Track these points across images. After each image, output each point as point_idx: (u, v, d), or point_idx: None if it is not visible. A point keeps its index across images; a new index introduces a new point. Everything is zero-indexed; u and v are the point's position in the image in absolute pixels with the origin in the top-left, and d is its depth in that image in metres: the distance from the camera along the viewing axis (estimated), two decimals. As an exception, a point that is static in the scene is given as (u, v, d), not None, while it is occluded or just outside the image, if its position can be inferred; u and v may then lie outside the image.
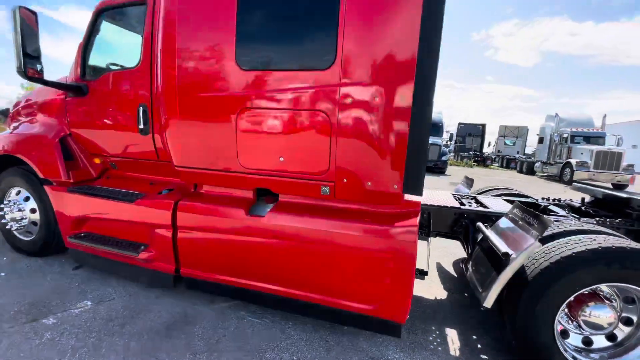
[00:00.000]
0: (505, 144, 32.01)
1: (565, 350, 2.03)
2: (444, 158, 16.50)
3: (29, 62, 2.61)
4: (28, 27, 2.57)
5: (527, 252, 1.95)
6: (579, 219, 2.69)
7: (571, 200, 3.53)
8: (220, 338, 2.35)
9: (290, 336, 2.44)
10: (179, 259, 2.72)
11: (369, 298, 2.26)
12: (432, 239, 3.09)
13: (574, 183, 4.12)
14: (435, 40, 1.91)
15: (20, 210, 3.37)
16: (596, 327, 2.05)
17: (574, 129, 17.38)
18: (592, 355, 2.09)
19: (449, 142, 27.12)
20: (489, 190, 4.08)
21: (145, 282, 3.00)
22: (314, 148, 2.27)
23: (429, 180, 11.70)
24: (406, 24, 1.95)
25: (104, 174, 3.38)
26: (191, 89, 2.47)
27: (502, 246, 2.11)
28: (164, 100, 2.57)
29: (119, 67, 3.05)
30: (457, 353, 2.38)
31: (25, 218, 3.39)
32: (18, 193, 3.45)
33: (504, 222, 2.47)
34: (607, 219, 2.70)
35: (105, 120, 3.04)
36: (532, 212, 2.15)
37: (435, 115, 16.32)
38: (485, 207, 3.05)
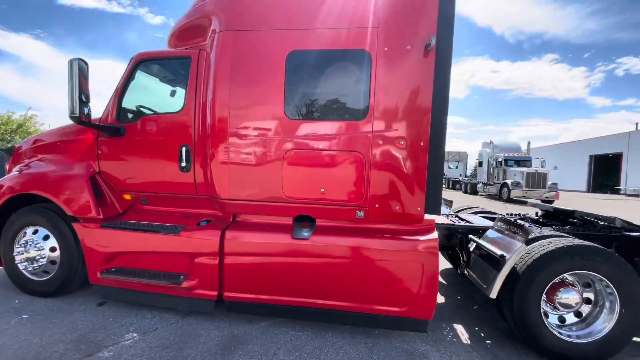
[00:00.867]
0: (449, 167, 35.79)
1: (549, 326, 2.70)
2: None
3: (82, 108, 2.83)
4: (82, 77, 2.81)
5: (517, 253, 2.64)
6: (540, 228, 3.52)
7: (527, 214, 4.47)
8: (276, 351, 2.65)
9: (335, 343, 2.81)
10: (224, 284, 2.97)
11: (400, 301, 2.75)
12: None
13: (529, 201, 5.12)
14: (445, 96, 2.64)
15: (38, 249, 3.33)
16: (567, 307, 2.77)
17: (506, 154, 20.23)
18: (566, 329, 2.78)
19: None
20: (464, 209, 4.91)
21: (184, 309, 3.15)
22: (351, 180, 2.81)
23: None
24: (422, 86, 2.65)
25: (130, 209, 3.51)
26: (242, 133, 2.90)
27: (497, 250, 2.78)
28: (215, 142, 2.94)
29: (157, 112, 3.34)
30: (468, 342, 2.95)
31: (44, 257, 3.35)
32: (35, 232, 3.40)
33: (492, 233, 3.19)
34: (560, 227, 3.57)
35: (143, 159, 3.27)
36: (516, 224, 2.89)
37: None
38: (470, 222, 3.79)
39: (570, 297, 2.75)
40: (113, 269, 3.19)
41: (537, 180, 17.55)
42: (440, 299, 3.88)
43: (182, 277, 3.03)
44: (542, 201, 17.28)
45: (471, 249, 3.40)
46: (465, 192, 25.03)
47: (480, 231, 3.47)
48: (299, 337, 2.88)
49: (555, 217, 4.11)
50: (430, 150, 2.68)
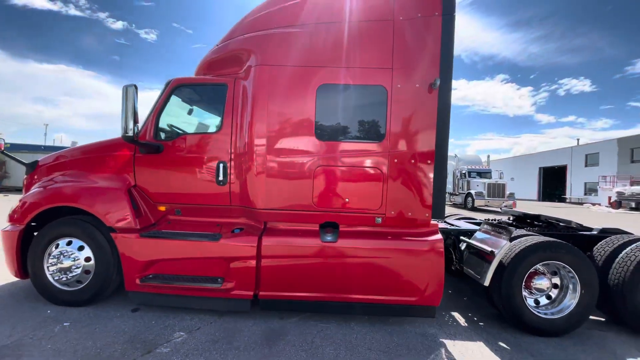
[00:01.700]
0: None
1: (529, 307, 3.39)
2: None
3: (134, 129, 3.14)
4: (135, 101, 3.15)
5: (504, 249, 3.32)
6: (516, 229, 4.29)
7: (502, 219, 5.29)
8: (313, 340, 3.07)
9: (359, 331, 3.29)
10: (260, 284, 3.35)
11: (413, 292, 3.31)
12: None
13: (503, 208, 5.98)
14: (446, 123, 3.30)
15: (73, 259, 3.49)
16: (540, 291, 3.49)
17: (469, 167, 22.09)
18: (542, 308, 3.49)
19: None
20: (448, 216, 5.65)
21: (222, 309, 3.47)
22: (371, 192, 3.37)
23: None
24: (428, 116, 3.30)
25: (161, 220, 3.78)
26: (278, 151, 3.37)
27: (488, 248, 3.45)
28: (253, 159, 3.37)
29: (192, 132, 3.71)
30: (466, 324, 3.57)
31: (79, 267, 3.50)
32: (69, 243, 3.55)
33: (480, 234, 3.88)
34: (529, 228, 4.37)
35: (181, 174, 3.60)
36: (501, 226, 3.59)
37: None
38: (459, 226, 4.48)
39: (542, 283, 3.47)
40: (151, 276, 3.44)
41: (497, 191, 19.35)
42: (435, 293, 4.49)
43: (219, 280, 3.37)
44: (501, 209, 19.05)
45: (462, 248, 4.07)
46: (434, 201, 26.70)
47: (468, 233, 4.16)
48: (328, 327, 3.33)
49: (524, 221, 4.95)
50: (435, 167, 3.32)
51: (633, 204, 26.41)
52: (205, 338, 3.01)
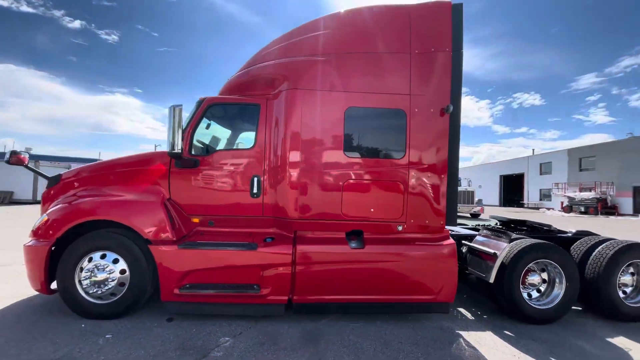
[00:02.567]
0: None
1: (526, 299, 3.95)
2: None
3: (181, 145, 3.34)
4: (181, 120, 3.35)
5: (506, 250, 3.87)
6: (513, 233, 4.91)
7: (490, 224, 5.95)
8: (349, 337, 3.39)
9: (386, 328, 3.66)
10: (294, 289, 3.63)
11: (431, 290, 3.75)
12: None
13: (490, 215, 6.67)
14: (456, 142, 3.82)
15: (108, 272, 3.55)
16: (533, 286, 4.08)
17: (441, 175, 23.52)
18: (534, 300, 4.07)
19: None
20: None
21: (258, 314, 3.68)
22: (393, 202, 3.79)
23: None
24: (441, 136, 3.81)
25: (194, 231, 3.93)
26: (310, 166, 3.70)
27: (490, 250, 4.00)
28: (287, 173, 3.68)
29: (230, 147, 3.95)
30: (472, 318, 4.07)
31: (114, 280, 3.57)
32: (103, 256, 3.60)
33: (480, 238, 4.44)
34: (517, 232, 5.02)
35: (216, 187, 3.81)
36: (500, 230, 4.17)
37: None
38: (458, 232, 5.04)
39: (534, 279, 4.07)
40: (188, 285, 3.59)
41: (467, 197, 20.80)
42: (439, 293, 4.99)
43: (255, 286, 3.60)
44: (471, 214, 20.48)
45: (464, 251, 4.61)
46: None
47: (468, 238, 4.72)
48: (357, 327, 3.66)
49: (509, 225, 5.63)
50: (448, 180, 3.82)
51: (582, 208, 29.38)
52: (250, 341, 3.23)
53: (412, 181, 3.79)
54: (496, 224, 5.91)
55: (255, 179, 3.79)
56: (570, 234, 4.84)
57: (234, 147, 4.09)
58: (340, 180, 3.73)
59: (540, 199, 40.27)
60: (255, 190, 3.78)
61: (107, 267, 3.57)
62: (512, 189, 46.85)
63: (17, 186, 23.99)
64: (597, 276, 4.02)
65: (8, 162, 3.69)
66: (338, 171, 3.74)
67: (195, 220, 3.90)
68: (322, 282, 3.66)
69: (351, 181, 3.75)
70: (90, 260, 3.58)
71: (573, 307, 4.29)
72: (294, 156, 3.70)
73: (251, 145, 3.86)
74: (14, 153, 3.74)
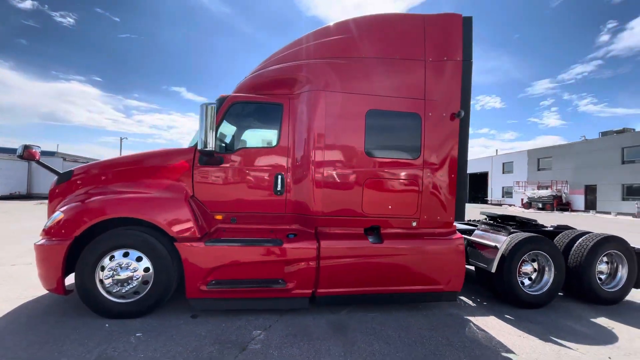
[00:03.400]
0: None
1: (521, 287, 4.41)
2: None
3: (214, 143, 3.38)
4: (213, 118, 3.38)
5: (506, 243, 4.29)
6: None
7: (482, 219, 6.45)
8: (372, 326, 3.62)
9: (401, 316, 3.94)
10: (318, 283, 3.79)
11: (441, 281, 4.08)
12: None
13: (480, 211, 7.18)
14: (465, 144, 4.16)
15: (132, 270, 3.50)
16: (526, 274, 4.56)
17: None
18: (527, 287, 4.54)
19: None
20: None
21: (283, 307, 3.81)
22: (409, 200, 4.07)
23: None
24: (452, 138, 4.13)
25: (216, 228, 3.96)
26: (333, 164, 3.88)
27: (491, 243, 4.41)
28: (311, 171, 3.82)
29: (251, 145, 4.01)
30: (474, 305, 4.48)
31: (137, 278, 3.52)
32: (126, 255, 3.53)
33: (479, 232, 4.86)
34: (509, 226, 5.52)
35: (240, 184, 3.87)
36: (499, 224, 4.59)
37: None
38: (456, 227, 5.43)
39: (528, 268, 4.55)
40: (214, 282, 3.63)
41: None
42: (438, 283, 5.37)
43: (280, 281, 3.72)
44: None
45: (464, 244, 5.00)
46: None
47: (466, 232, 5.12)
48: (375, 316, 3.91)
49: (496, 220, 6.15)
50: (457, 179, 4.16)
51: (540, 205, 31.94)
52: (283, 333, 3.36)
53: (426, 180, 4.08)
54: (485, 218, 6.42)
55: (279, 177, 3.90)
56: (551, 228, 5.41)
57: (257, 146, 4.15)
58: (361, 179, 3.94)
59: (503, 196, 43.16)
60: (279, 188, 3.89)
61: (130, 265, 3.51)
62: (477, 186, 49.72)
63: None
64: (579, 265, 4.57)
65: (21, 156, 3.48)
66: (359, 170, 3.94)
67: (218, 217, 3.93)
68: (344, 275, 3.86)
69: (371, 180, 3.96)
70: (112, 258, 3.51)
71: (557, 293, 4.83)
72: (318, 155, 3.84)
73: (275, 144, 3.95)
74: (26, 147, 3.54)
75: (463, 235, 4.90)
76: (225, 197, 3.89)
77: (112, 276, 3.48)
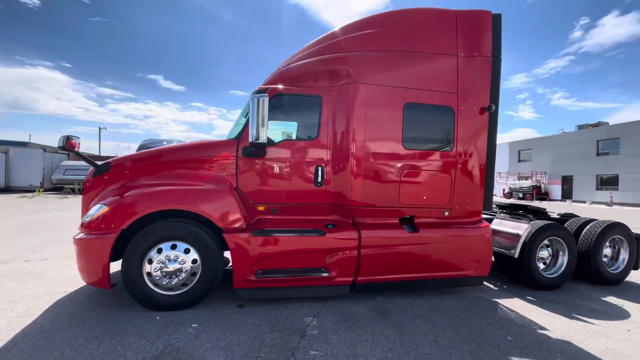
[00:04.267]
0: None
1: (539, 270, 4.73)
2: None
3: (265, 136, 3.41)
4: (265, 110, 3.40)
5: (527, 230, 4.58)
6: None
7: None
8: (412, 310, 3.82)
9: (436, 301, 4.16)
10: (359, 271, 3.94)
11: (470, 266, 4.32)
12: None
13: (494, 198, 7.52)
14: (494, 137, 4.37)
15: (180, 263, 3.51)
16: (542, 259, 4.89)
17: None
18: (543, 271, 4.88)
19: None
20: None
21: (325, 295, 3.93)
22: (443, 190, 4.25)
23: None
24: (482, 131, 4.32)
25: (258, 219, 4.00)
26: (372, 156, 3.99)
27: (512, 230, 4.70)
28: (351, 163, 3.92)
29: (295, 138, 4.05)
30: (497, 288, 4.77)
31: (186, 270, 3.54)
32: (173, 247, 3.53)
33: (499, 221, 5.14)
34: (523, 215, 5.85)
35: (282, 176, 3.92)
36: (519, 214, 4.87)
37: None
38: (472, 216, 5.71)
39: (544, 253, 4.89)
40: (260, 271, 3.70)
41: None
42: (456, 269, 5.66)
43: (323, 269, 3.84)
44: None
45: (483, 232, 5.28)
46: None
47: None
48: (413, 301, 4.11)
49: (510, 208, 6.49)
50: (486, 170, 4.37)
51: (520, 195, 33.41)
52: (333, 319, 3.49)
53: (459, 171, 4.27)
54: (495, 207, 6.75)
55: (320, 168, 3.97)
56: (559, 216, 5.79)
57: (297, 138, 4.19)
58: (399, 171, 4.08)
59: (485, 186, 44.70)
60: (319, 179, 3.97)
61: (179, 257, 3.52)
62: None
63: None
64: (589, 249, 4.95)
65: (62, 147, 3.37)
66: (397, 162, 4.08)
67: (261, 208, 3.97)
68: (382, 263, 4.02)
69: (408, 171, 4.11)
70: (159, 251, 3.50)
71: (567, 275, 5.22)
72: (357, 147, 3.93)
73: (315, 136, 4.00)
74: (68, 138, 3.43)
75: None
76: (268, 188, 3.94)
77: (161, 269, 3.48)
